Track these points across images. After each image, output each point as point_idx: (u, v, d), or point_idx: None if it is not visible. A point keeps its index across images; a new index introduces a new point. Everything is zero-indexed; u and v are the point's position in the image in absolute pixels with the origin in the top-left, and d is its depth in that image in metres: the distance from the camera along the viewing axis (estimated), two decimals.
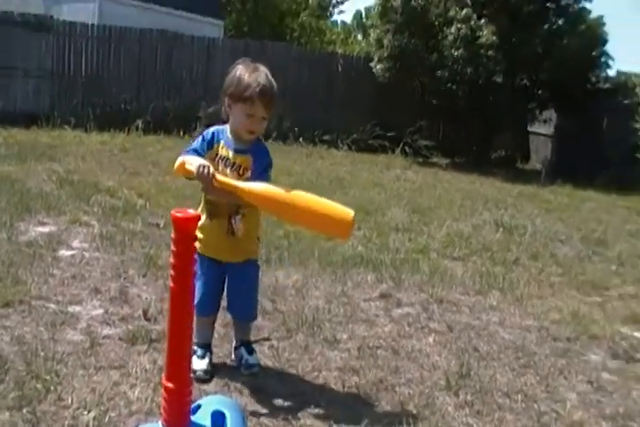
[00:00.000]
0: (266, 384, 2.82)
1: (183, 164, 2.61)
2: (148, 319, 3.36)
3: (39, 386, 2.57)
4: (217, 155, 2.78)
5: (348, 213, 2.51)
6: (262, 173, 2.76)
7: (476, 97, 12.86)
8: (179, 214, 2.01)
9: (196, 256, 2.09)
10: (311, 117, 13.50)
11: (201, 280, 2.76)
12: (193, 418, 2.15)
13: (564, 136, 13.65)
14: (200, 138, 2.81)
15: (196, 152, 2.74)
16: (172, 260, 2.02)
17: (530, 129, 15.12)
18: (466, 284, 4.65)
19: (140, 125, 11.81)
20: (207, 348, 2.96)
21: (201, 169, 2.52)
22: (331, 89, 14.33)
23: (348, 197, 7.43)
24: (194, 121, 12.36)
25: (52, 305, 3.44)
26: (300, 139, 13.05)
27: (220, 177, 2.56)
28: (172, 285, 2.05)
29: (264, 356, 3.08)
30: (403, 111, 13.92)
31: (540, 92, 13.74)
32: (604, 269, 5.52)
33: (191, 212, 2.05)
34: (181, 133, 11.88)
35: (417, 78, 13.55)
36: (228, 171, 2.75)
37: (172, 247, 2.00)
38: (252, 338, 3.15)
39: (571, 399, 3.00)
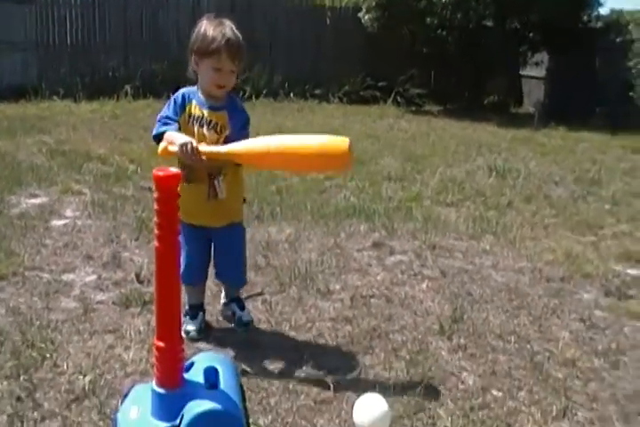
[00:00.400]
0: (260, 338, 2.86)
1: (165, 148, 2.52)
2: (140, 282, 3.39)
3: (35, 354, 2.61)
4: (190, 116, 2.70)
5: (343, 141, 2.40)
6: (241, 129, 2.69)
7: (467, 42, 12.65)
8: (160, 173, 2.00)
9: (179, 215, 2.09)
10: (301, 72, 13.34)
11: (184, 250, 2.63)
12: (186, 375, 2.18)
13: (557, 78, 13.46)
14: (171, 102, 2.73)
15: (170, 119, 2.66)
16: (155, 218, 2.02)
17: (522, 72, 14.91)
18: (459, 229, 4.67)
19: (130, 91, 11.67)
20: (199, 308, 2.96)
21: (184, 148, 2.43)
22: (319, 42, 14.12)
23: None
24: (183, 83, 12.20)
25: (46, 275, 3.47)
26: (291, 94, 12.90)
27: (203, 148, 2.47)
28: (157, 244, 2.05)
29: (257, 311, 3.11)
30: (393, 60, 13.72)
31: (531, 34, 13.50)
32: (598, 209, 5.51)
33: (173, 170, 2.04)
34: (171, 96, 11.78)
35: (406, 26, 13.29)
36: (205, 130, 2.68)
37: (155, 206, 2.00)
38: (246, 294, 3.18)
39: (563, 338, 3.04)
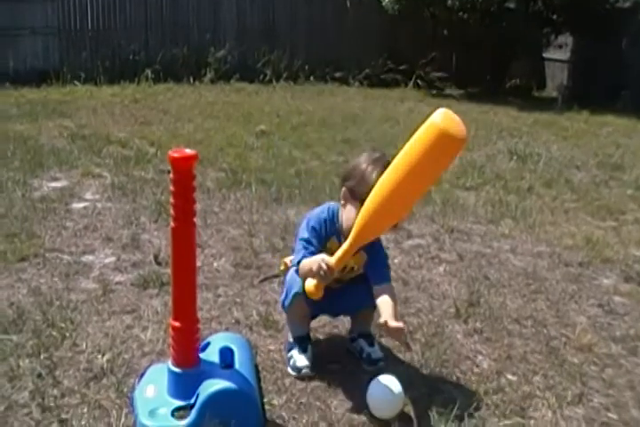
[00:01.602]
0: (276, 319, 2.88)
1: (313, 287, 2.34)
2: (158, 263, 3.42)
3: (55, 333, 2.65)
4: (332, 254, 2.37)
5: (435, 118, 2.12)
6: (383, 271, 2.50)
7: (489, 25, 12.50)
8: (175, 154, 2.02)
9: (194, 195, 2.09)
10: (321, 55, 13.26)
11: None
12: (202, 355, 2.21)
13: (581, 60, 13.24)
14: (309, 228, 2.47)
15: (311, 244, 2.45)
16: (171, 200, 2.04)
17: (545, 55, 14.71)
18: (478, 213, 4.65)
19: (150, 75, 11.68)
20: (306, 341, 2.61)
21: (323, 275, 2.27)
22: (340, 24, 14.01)
23: (360, 132, 7.38)
24: (203, 67, 12.25)
25: (66, 256, 3.51)
26: (311, 77, 12.85)
27: (332, 260, 2.29)
28: (173, 224, 2.07)
29: (273, 292, 3.12)
30: (414, 44, 13.60)
31: (554, 16, 13.29)
32: (620, 194, 5.45)
33: (188, 151, 2.05)
34: (191, 80, 11.78)
35: (427, 9, 13.17)
36: (345, 272, 2.49)
37: (171, 187, 2.02)
38: (262, 276, 3.19)
39: (581, 323, 3.03)
